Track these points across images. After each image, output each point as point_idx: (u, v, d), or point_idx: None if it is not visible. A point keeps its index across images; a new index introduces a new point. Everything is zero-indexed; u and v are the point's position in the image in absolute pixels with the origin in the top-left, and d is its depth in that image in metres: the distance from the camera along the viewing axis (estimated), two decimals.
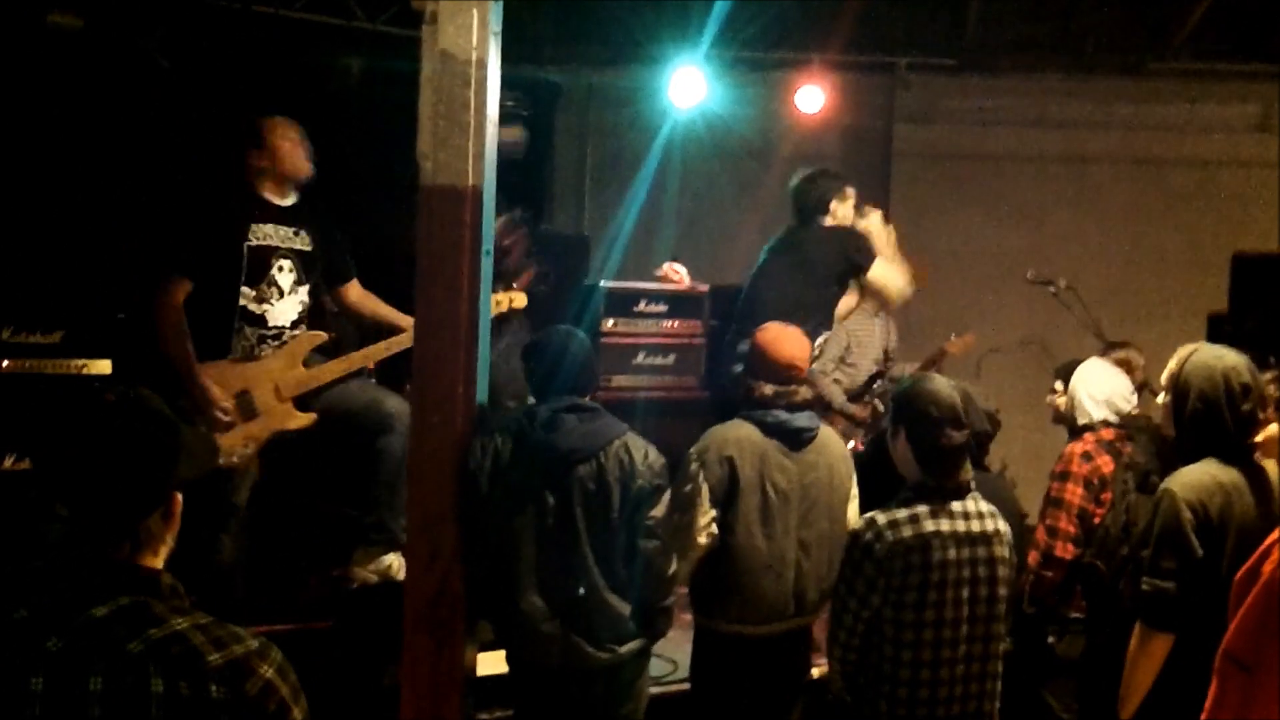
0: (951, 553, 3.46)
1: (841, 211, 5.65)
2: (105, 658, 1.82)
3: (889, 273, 5.60)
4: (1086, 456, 4.44)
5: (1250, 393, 3.57)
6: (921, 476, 3.55)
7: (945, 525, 3.48)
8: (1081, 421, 4.58)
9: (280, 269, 4.80)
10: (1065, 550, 4.37)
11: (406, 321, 4.85)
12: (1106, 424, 4.54)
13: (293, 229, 4.86)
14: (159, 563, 1.94)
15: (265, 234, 4.79)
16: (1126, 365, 4.82)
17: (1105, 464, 4.42)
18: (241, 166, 4.85)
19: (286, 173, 4.86)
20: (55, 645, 1.82)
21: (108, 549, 1.90)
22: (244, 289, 4.73)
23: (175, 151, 6.10)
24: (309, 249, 4.90)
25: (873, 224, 5.73)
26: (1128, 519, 4.25)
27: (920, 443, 3.55)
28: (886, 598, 3.45)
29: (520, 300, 5.32)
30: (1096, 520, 4.39)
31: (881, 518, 3.50)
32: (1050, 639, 4.52)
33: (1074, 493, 4.40)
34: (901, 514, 3.49)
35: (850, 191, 5.71)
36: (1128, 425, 4.61)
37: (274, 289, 4.79)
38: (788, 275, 5.49)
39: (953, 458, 3.53)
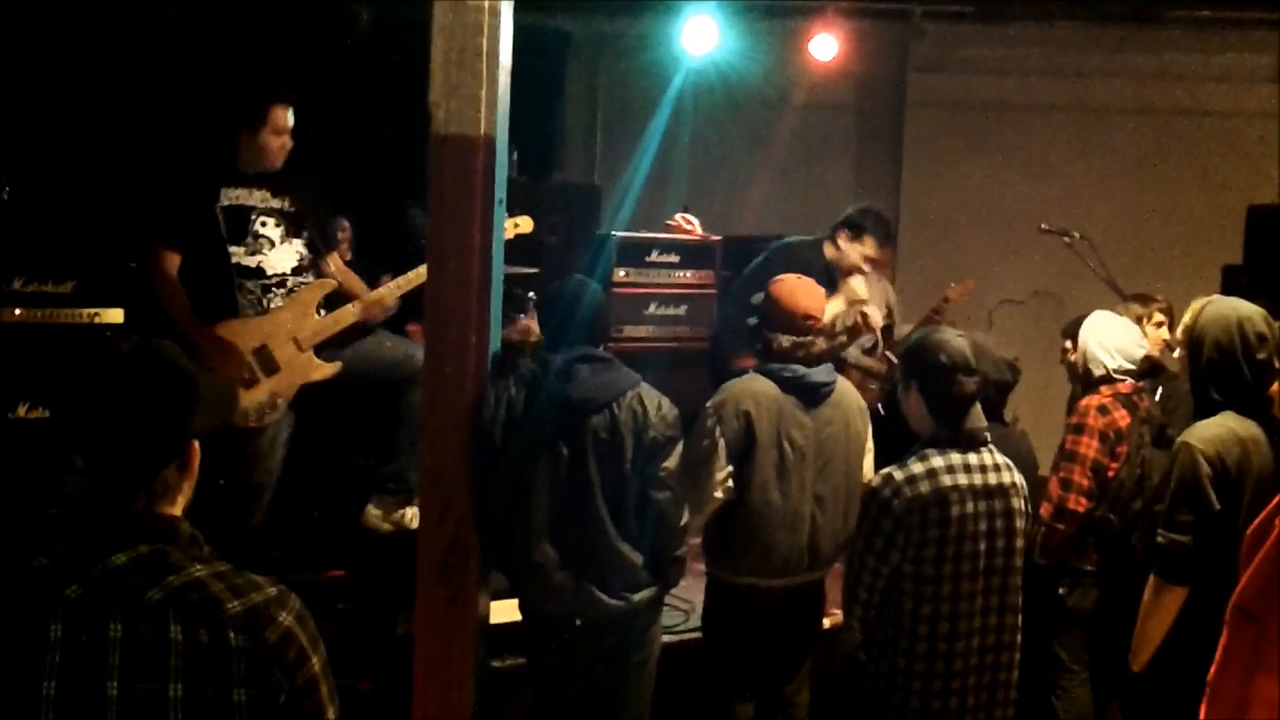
0: (969, 506, 3.46)
1: (845, 247, 5.65)
2: (124, 605, 1.82)
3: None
4: (1103, 410, 4.42)
5: (1266, 342, 3.56)
6: (935, 427, 3.54)
7: (963, 479, 3.48)
8: (1097, 374, 4.55)
9: (263, 224, 4.76)
10: (1078, 503, 4.35)
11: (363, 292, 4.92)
12: (1123, 376, 4.51)
13: (266, 190, 4.82)
14: (177, 511, 1.94)
15: (237, 195, 4.75)
16: (1146, 318, 4.77)
17: (1121, 418, 4.40)
18: (222, 135, 4.82)
19: (264, 164, 4.82)
20: (75, 592, 1.82)
21: (125, 499, 1.89)
22: (232, 247, 4.70)
23: (157, 109, 6.06)
24: (286, 208, 4.86)
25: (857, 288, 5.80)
26: (1142, 473, 4.25)
27: (932, 392, 3.55)
28: (905, 554, 3.45)
29: (526, 225, 5.23)
30: (1111, 474, 4.37)
31: (898, 474, 3.49)
32: (1061, 591, 4.51)
33: (1089, 445, 4.38)
34: (918, 469, 3.48)
35: (869, 242, 5.65)
36: (1147, 376, 4.59)
37: (262, 240, 4.75)
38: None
39: (965, 405, 3.53)
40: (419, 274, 4.75)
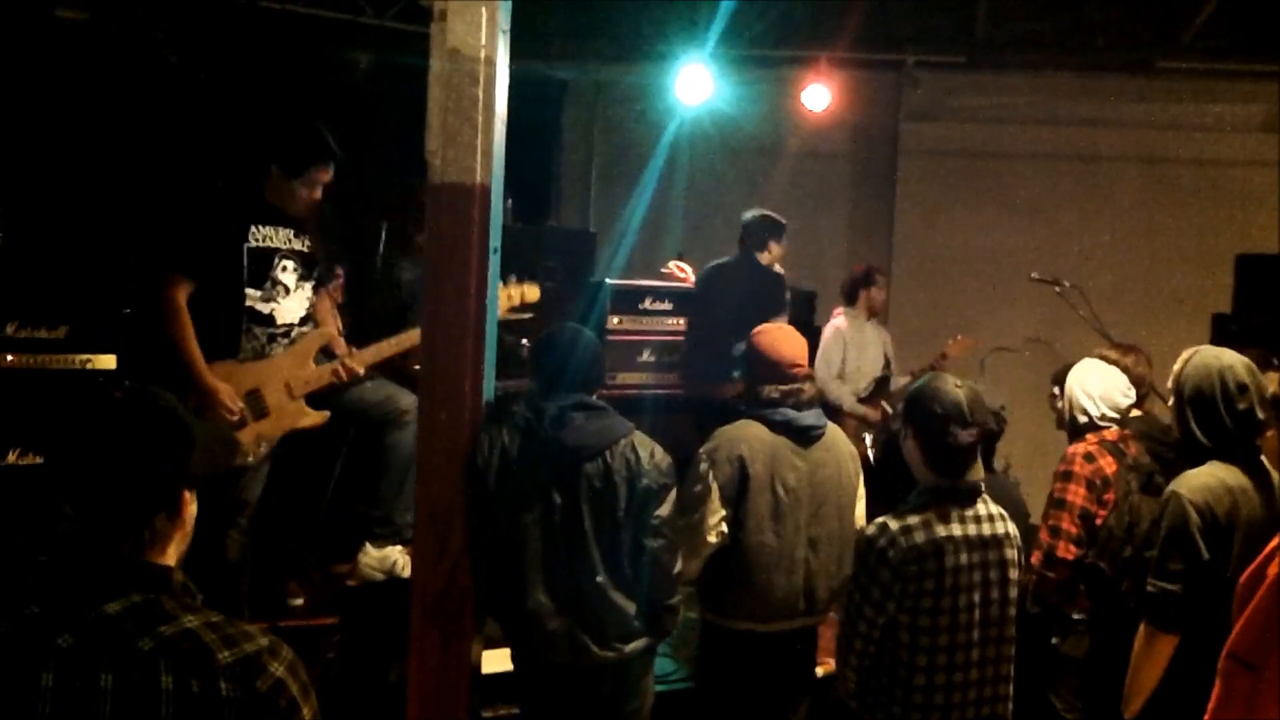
0: (964, 557, 3.46)
1: (776, 251, 6.71)
2: (116, 654, 1.82)
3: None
4: (1089, 457, 4.43)
5: (1247, 391, 3.59)
6: (932, 478, 3.54)
7: (957, 529, 3.47)
8: (1081, 421, 4.57)
9: (284, 269, 4.79)
10: (1068, 551, 4.36)
11: (342, 346, 4.96)
12: (1108, 423, 4.53)
13: (292, 230, 4.85)
14: (170, 560, 1.94)
15: (265, 235, 4.77)
16: (1123, 366, 4.77)
17: (1108, 464, 4.41)
18: (254, 167, 4.84)
19: (289, 210, 4.85)
20: (66, 642, 1.82)
21: (116, 546, 1.89)
22: (249, 290, 4.72)
23: (180, 147, 6.10)
24: (308, 250, 4.90)
25: None
26: (1131, 519, 4.25)
27: (928, 443, 3.54)
28: (901, 604, 3.43)
29: (533, 293, 5.29)
30: (1099, 521, 4.38)
31: (894, 523, 3.48)
32: (1054, 640, 4.51)
33: (1076, 493, 4.39)
34: (914, 519, 3.48)
35: (784, 235, 6.74)
36: (1131, 425, 4.60)
37: (279, 288, 4.78)
38: (728, 301, 6.43)
39: (961, 457, 3.51)
40: (410, 337, 4.88)
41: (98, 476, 1.90)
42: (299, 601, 5.15)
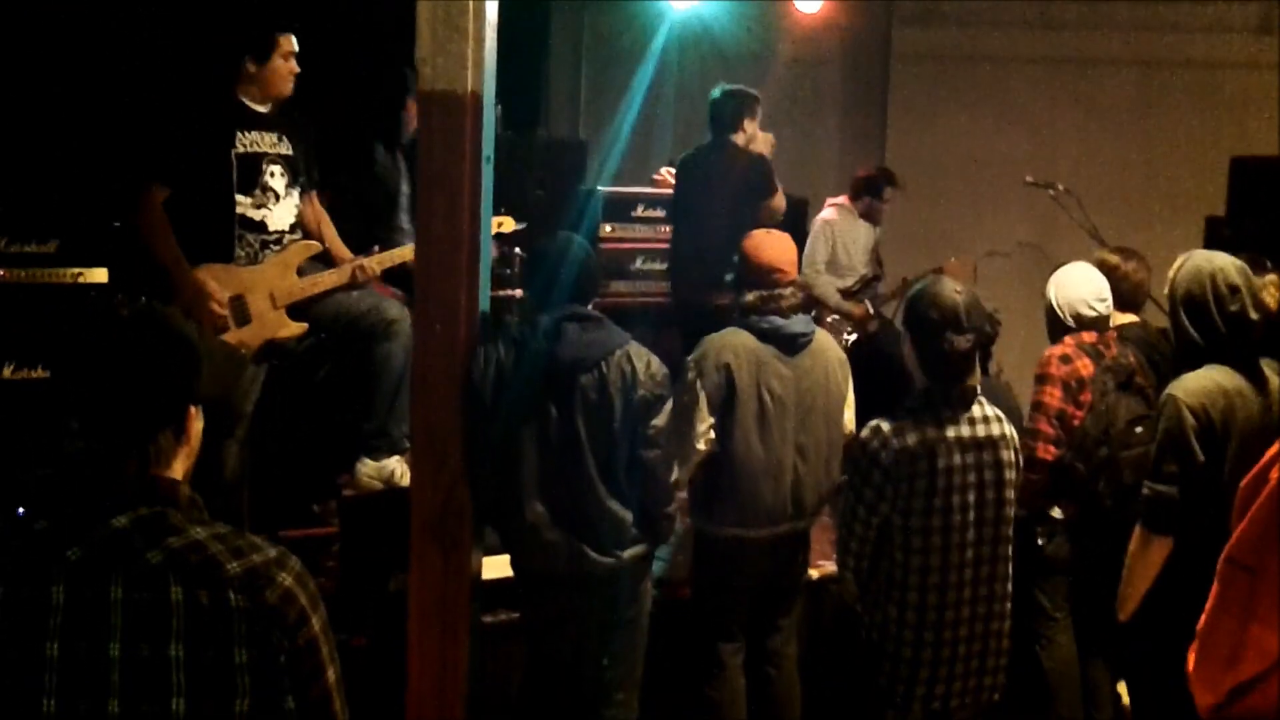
0: (957, 458, 3.48)
1: (751, 128, 6.19)
2: (124, 567, 1.82)
3: (782, 202, 6.28)
4: (1064, 359, 4.45)
5: (1238, 292, 3.59)
6: (928, 382, 3.55)
7: (950, 431, 3.50)
8: (1060, 323, 4.59)
9: (272, 174, 4.76)
10: (1046, 452, 4.38)
11: (343, 252, 4.98)
12: (1083, 327, 4.53)
13: (275, 134, 4.82)
14: (177, 475, 1.94)
15: (252, 140, 4.73)
16: (1122, 271, 4.75)
17: (1084, 366, 4.41)
18: (228, 71, 4.79)
19: (273, 92, 4.81)
20: (75, 555, 1.82)
21: (123, 462, 1.90)
22: (239, 197, 4.68)
23: (160, 53, 5.99)
24: (291, 153, 4.87)
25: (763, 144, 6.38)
26: (1108, 420, 4.27)
27: (922, 348, 3.55)
28: (894, 505, 3.47)
29: (509, 224, 5.30)
30: (1076, 422, 4.41)
31: (886, 425, 3.50)
32: (1039, 540, 4.55)
33: (1052, 395, 4.41)
34: (907, 421, 3.50)
35: (759, 110, 6.24)
36: (1127, 330, 4.61)
37: (269, 194, 4.75)
38: (705, 194, 6.09)
39: (955, 363, 3.52)
40: (404, 253, 4.88)
41: (104, 394, 1.90)
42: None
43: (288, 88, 4.83)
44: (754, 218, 5.72)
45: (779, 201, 6.25)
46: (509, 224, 5.34)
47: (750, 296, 4.17)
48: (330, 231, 5.09)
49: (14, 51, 5.57)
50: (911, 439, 3.46)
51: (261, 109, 4.80)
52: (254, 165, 4.72)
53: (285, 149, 4.83)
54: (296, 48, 4.82)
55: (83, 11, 5.86)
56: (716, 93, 6.25)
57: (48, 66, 5.67)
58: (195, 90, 4.92)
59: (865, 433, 3.57)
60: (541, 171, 6.78)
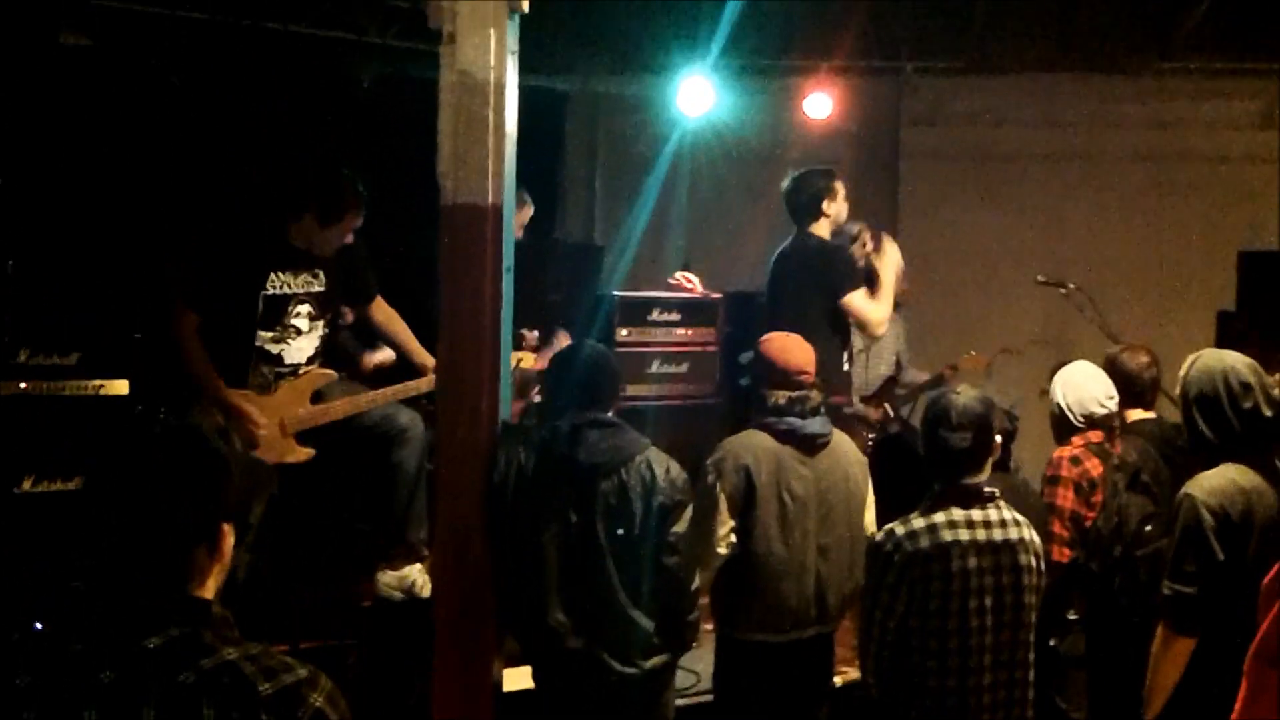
0: (972, 561, 3.49)
1: (834, 209, 5.79)
2: (158, 689, 1.83)
3: (867, 305, 5.73)
4: (1075, 460, 4.48)
5: (1250, 390, 3.62)
6: (933, 481, 3.61)
7: (964, 534, 3.51)
8: (1066, 422, 4.61)
9: (298, 314, 4.84)
10: (1060, 554, 4.40)
11: (422, 356, 5.00)
12: (1093, 426, 4.55)
13: (310, 272, 4.87)
14: (209, 593, 1.96)
15: (284, 281, 4.80)
16: (1133, 367, 4.75)
17: (1094, 467, 4.46)
18: (276, 204, 4.88)
19: (323, 251, 4.89)
20: (109, 677, 1.83)
21: (157, 580, 1.91)
22: (261, 332, 4.77)
23: (186, 171, 6.11)
24: (324, 289, 4.92)
25: (891, 254, 6.00)
26: (1119, 519, 4.29)
27: (925, 446, 3.65)
28: (910, 607, 3.48)
29: (529, 360, 5.37)
30: (1088, 523, 4.42)
31: (900, 528, 3.54)
32: (1052, 641, 4.53)
33: (1065, 497, 4.44)
34: (919, 524, 3.54)
35: (840, 187, 5.83)
36: (1141, 428, 4.62)
37: (290, 329, 4.82)
38: (787, 289, 5.74)
39: (953, 461, 3.58)
40: (416, 385, 4.94)
41: (139, 511, 1.92)
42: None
43: (329, 253, 4.90)
44: (830, 315, 5.57)
45: (857, 301, 5.69)
46: (529, 359, 5.40)
47: (779, 398, 4.19)
48: (404, 332, 5.15)
49: (37, 165, 5.68)
50: (925, 542, 3.49)
51: (302, 248, 4.86)
52: (280, 306, 4.79)
53: (319, 285, 4.89)
54: (359, 224, 4.91)
55: (109, 126, 5.99)
56: (787, 183, 5.84)
57: (70, 178, 5.77)
58: (244, 228, 4.97)
59: (879, 535, 3.61)
60: (558, 275, 6.84)
